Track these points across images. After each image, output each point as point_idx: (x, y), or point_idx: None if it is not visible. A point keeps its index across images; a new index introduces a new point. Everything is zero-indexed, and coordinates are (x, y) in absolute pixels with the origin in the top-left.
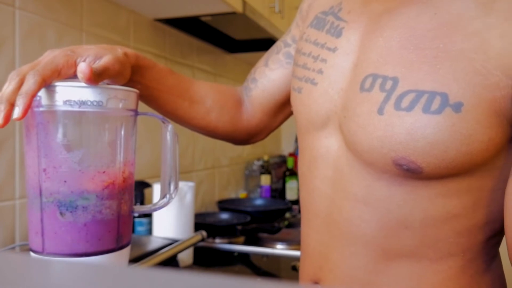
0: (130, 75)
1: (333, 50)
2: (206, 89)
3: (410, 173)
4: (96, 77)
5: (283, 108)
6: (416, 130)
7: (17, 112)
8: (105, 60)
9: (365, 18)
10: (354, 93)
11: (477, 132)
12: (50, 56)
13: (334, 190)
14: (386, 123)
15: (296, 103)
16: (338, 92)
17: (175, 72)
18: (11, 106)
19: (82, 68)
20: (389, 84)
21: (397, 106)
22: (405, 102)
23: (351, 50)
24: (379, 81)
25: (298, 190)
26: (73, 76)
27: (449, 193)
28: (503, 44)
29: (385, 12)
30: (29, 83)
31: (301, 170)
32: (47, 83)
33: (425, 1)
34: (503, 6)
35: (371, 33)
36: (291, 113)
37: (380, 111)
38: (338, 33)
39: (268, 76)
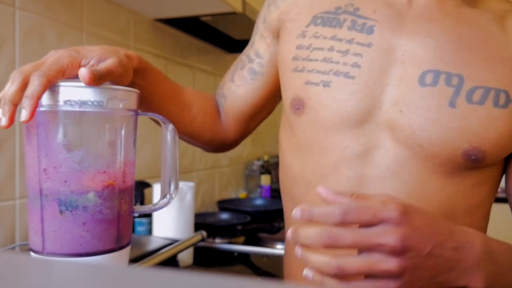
0: (131, 77)
1: (368, 45)
2: (193, 96)
3: (474, 163)
4: (98, 80)
5: (254, 117)
6: (490, 122)
7: (24, 115)
8: (108, 62)
9: (398, 19)
10: (412, 88)
11: None
12: (55, 57)
13: (374, 191)
14: (461, 115)
15: (319, 97)
16: (381, 88)
17: (167, 77)
18: (15, 107)
19: (82, 73)
20: (455, 80)
21: (469, 100)
22: (476, 97)
23: (389, 47)
24: (442, 76)
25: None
26: (76, 77)
27: (481, 182)
28: None
29: (421, 17)
30: (35, 85)
31: (317, 172)
32: (52, 84)
33: (454, 15)
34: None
35: (414, 33)
36: (262, 119)
37: (452, 104)
38: (368, 30)
39: (234, 92)
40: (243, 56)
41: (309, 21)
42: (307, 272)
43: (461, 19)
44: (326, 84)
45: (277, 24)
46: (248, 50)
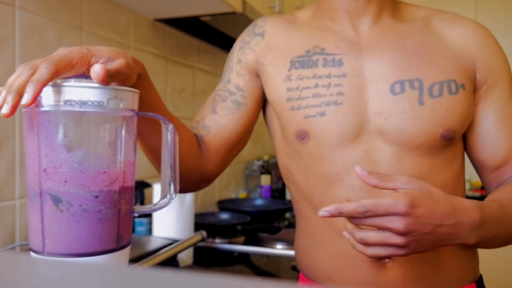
0: (135, 81)
1: (343, 75)
2: (178, 120)
3: (448, 140)
4: (108, 79)
5: (234, 147)
6: (450, 108)
7: (26, 98)
8: (117, 63)
9: (356, 48)
10: (387, 99)
11: (472, 102)
12: (65, 51)
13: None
14: (430, 109)
15: (320, 125)
16: (364, 105)
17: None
18: (20, 97)
19: (97, 69)
20: (416, 84)
21: (431, 95)
22: (435, 92)
23: (358, 72)
24: (406, 84)
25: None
26: (81, 75)
27: (455, 155)
28: (459, 58)
29: (370, 41)
30: (42, 72)
31: (333, 177)
32: (59, 75)
33: (393, 32)
34: (442, 37)
35: (371, 56)
36: (238, 152)
37: (421, 102)
38: (339, 63)
39: (219, 122)
40: (220, 92)
41: (289, 66)
42: (345, 233)
43: (400, 33)
44: (322, 114)
45: (255, 65)
46: (225, 86)
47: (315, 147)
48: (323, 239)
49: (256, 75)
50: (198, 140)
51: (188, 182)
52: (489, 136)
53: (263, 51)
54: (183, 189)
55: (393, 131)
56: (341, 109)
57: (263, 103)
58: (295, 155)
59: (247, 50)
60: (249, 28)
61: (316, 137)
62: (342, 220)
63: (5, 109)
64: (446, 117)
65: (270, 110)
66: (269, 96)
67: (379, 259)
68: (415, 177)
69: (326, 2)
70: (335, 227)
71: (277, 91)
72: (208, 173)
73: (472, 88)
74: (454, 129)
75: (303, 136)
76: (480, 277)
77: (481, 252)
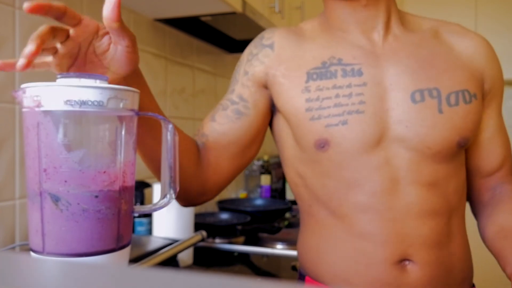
0: (136, 66)
1: (364, 85)
2: (175, 125)
3: (462, 148)
4: (120, 22)
5: (234, 160)
6: (465, 116)
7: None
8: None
9: (373, 57)
10: (408, 107)
11: (482, 111)
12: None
13: (403, 185)
14: (448, 117)
15: (342, 133)
16: (385, 113)
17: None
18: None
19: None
20: (435, 93)
21: (449, 104)
22: (452, 101)
23: (378, 81)
24: (426, 93)
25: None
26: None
27: (462, 163)
28: (470, 68)
29: (386, 51)
30: (40, 29)
31: (353, 183)
32: (56, 18)
33: (406, 42)
34: (452, 48)
35: (389, 65)
36: (240, 168)
37: (440, 111)
38: (358, 73)
39: (217, 130)
40: (223, 101)
41: (306, 77)
42: None
43: (413, 43)
44: (344, 123)
45: (264, 76)
46: (228, 96)
47: (335, 155)
48: (341, 243)
49: (264, 87)
50: (198, 148)
51: (189, 193)
52: (489, 144)
53: (274, 63)
54: (184, 202)
55: (414, 138)
56: (363, 118)
57: (270, 116)
58: (312, 162)
59: (255, 62)
60: (256, 40)
61: (337, 145)
62: (363, 223)
63: (21, 62)
64: (462, 126)
65: (278, 121)
66: (282, 107)
67: (400, 261)
68: (432, 182)
69: (335, 14)
70: (355, 230)
71: (293, 102)
72: (209, 184)
73: (482, 98)
74: (468, 137)
75: (323, 144)
76: (473, 286)
77: (475, 256)
